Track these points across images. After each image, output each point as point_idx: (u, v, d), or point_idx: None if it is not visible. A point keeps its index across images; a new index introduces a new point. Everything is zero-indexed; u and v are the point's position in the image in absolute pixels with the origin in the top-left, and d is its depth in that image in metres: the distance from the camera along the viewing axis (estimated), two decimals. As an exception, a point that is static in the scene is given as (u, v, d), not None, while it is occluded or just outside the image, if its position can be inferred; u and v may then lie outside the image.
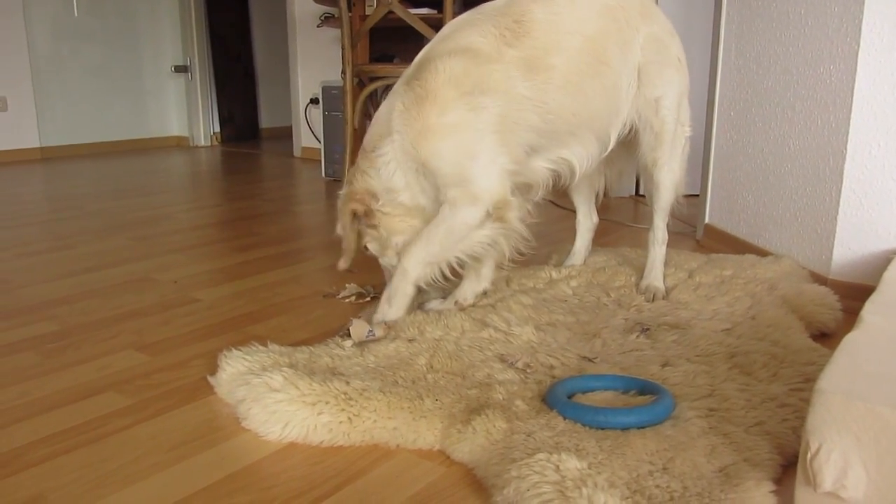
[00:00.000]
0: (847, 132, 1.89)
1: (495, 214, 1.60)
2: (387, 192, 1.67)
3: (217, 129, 5.91)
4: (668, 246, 2.00)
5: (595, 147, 1.76)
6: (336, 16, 4.10)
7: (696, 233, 2.72)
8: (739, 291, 1.89)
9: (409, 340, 1.53)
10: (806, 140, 2.07)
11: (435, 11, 3.54)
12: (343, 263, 1.76)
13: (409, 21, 3.04)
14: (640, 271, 2.03)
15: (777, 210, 2.22)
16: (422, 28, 3.05)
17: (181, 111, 5.82)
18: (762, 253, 2.26)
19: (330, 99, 3.95)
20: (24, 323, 1.81)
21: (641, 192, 3.61)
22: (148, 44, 5.60)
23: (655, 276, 1.96)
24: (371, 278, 2.04)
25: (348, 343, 1.53)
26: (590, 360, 1.50)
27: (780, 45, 2.18)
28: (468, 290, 1.83)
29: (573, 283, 1.98)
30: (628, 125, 1.81)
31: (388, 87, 3.45)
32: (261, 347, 1.48)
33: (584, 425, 1.19)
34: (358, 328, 1.55)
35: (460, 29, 1.63)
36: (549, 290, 1.93)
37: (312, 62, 4.90)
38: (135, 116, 5.59)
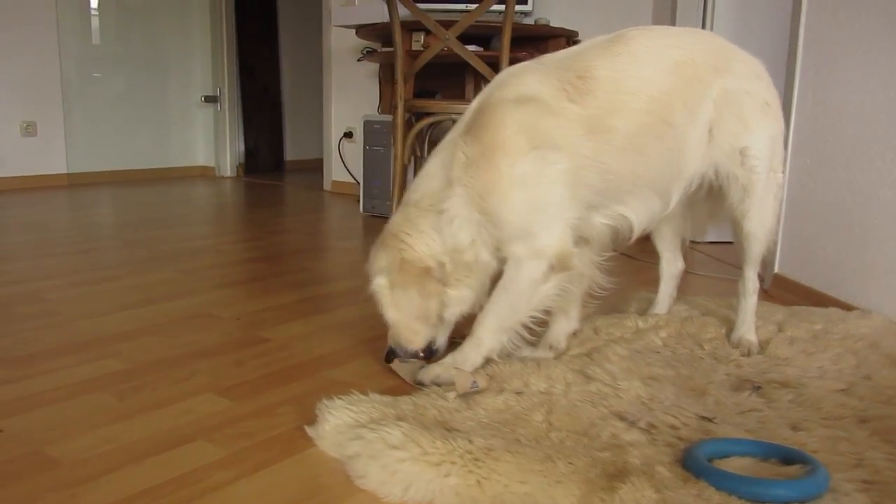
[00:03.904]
0: (953, 185, 1.82)
1: (558, 266, 1.53)
2: (452, 252, 1.55)
3: (242, 160, 5.85)
4: (732, 296, 1.93)
5: (656, 204, 1.69)
6: (378, 50, 4.07)
7: (762, 283, 2.64)
8: (838, 348, 1.80)
9: (517, 393, 1.44)
10: (902, 191, 2.00)
11: (481, 49, 3.50)
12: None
13: (465, 57, 2.99)
14: (726, 322, 1.95)
15: (862, 263, 2.14)
16: (479, 65, 3.00)
17: (208, 141, 5.77)
18: (842, 306, 2.17)
19: (371, 134, 3.89)
20: (89, 359, 1.71)
21: (695, 238, 3.53)
22: (177, 73, 5.57)
23: (747, 328, 1.87)
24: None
25: (451, 394, 1.43)
26: (709, 419, 1.40)
27: (867, 94, 2.13)
28: (559, 332, 1.75)
29: (662, 333, 1.89)
30: (697, 181, 1.73)
31: (433, 125, 3.39)
32: (362, 396, 1.38)
33: (739, 497, 1.09)
34: (462, 379, 1.45)
35: (520, 75, 1.57)
36: (639, 340, 1.84)
37: (346, 96, 4.86)
38: (161, 145, 5.54)
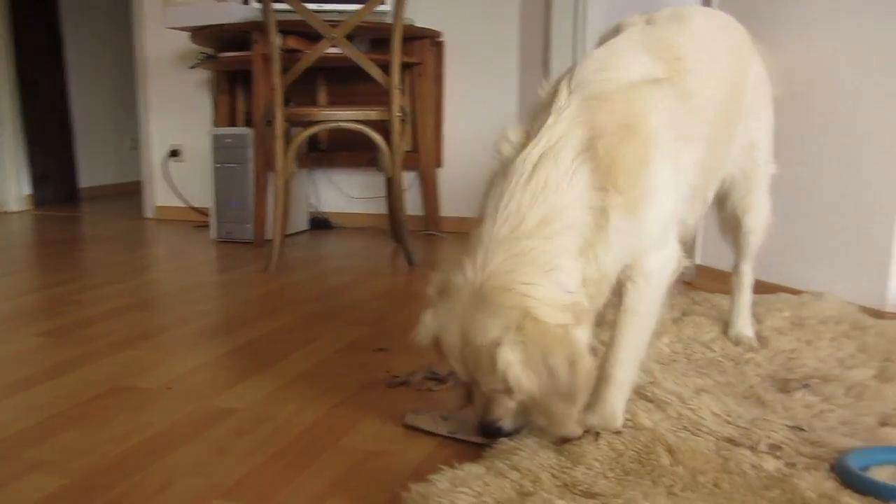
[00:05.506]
0: (902, 164, 1.91)
1: (675, 275, 1.31)
2: (598, 281, 1.18)
3: (29, 190, 4.95)
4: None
5: (701, 206, 1.58)
6: (217, 56, 3.60)
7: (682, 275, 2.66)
8: (828, 333, 1.82)
9: (615, 434, 1.23)
10: (847, 172, 2.07)
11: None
12: None
13: (354, 59, 2.71)
14: (710, 318, 1.91)
15: (806, 246, 2.20)
16: (369, 67, 2.72)
17: (-18, 171, 4.81)
18: (785, 290, 2.21)
19: (222, 150, 3.42)
20: (3, 480, 1.21)
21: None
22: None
23: (744, 323, 1.83)
24: (413, 357, 1.69)
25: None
26: (801, 429, 1.30)
27: (815, 62, 2.19)
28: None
29: (664, 339, 1.78)
30: (726, 177, 1.66)
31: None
32: (457, 471, 1.10)
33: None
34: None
35: (625, 53, 1.31)
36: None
37: (167, 111, 4.27)
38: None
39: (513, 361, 1.08)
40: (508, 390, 1.11)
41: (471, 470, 1.11)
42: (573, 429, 1.15)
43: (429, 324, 1.21)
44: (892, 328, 1.81)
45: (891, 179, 1.94)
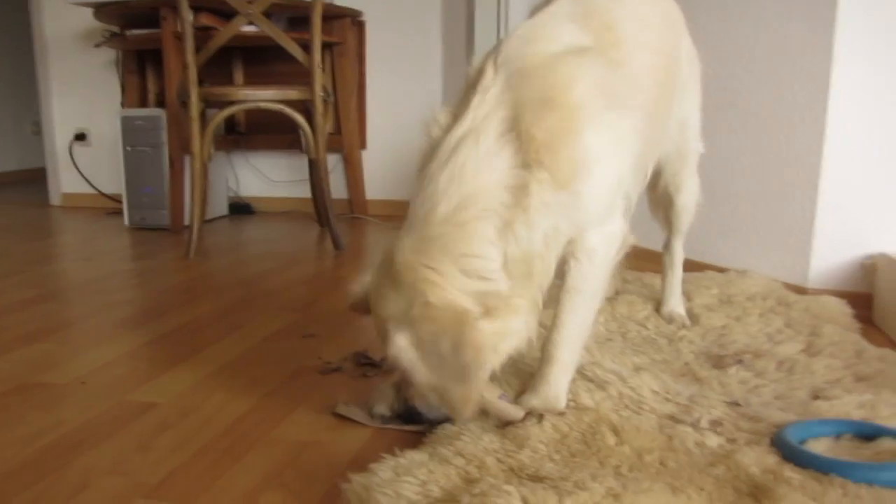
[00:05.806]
0: (822, 141, 1.96)
1: (621, 250, 1.29)
2: (520, 261, 1.13)
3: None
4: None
5: (641, 181, 1.58)
6: (120, 34, 3.40)
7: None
8: (756, 310, 1.86)
9: (558, 415, 1.20)
10: (769, 152, 2.11)
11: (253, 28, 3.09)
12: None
13: (275, 37, 2.59)
14: (642, 296, 1.92)
15: (730, 224, 2.25)
16: (288, 44, 2.62)
17: None
18: (711, 268, 2.26)
19: (133, 132, 3.23)
20: None
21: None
22: None
23: (676, 301, 1.85)
24: (345, 343, 1.67)
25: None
26: (738, 404, 1.31)
27: (719, 64, 2.22)
28: None
29: (599, 318, 1.77)
30: (662, 154, 1.66)
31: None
32: (399, 460, 1.05)
33: (880, 486, 1.00)
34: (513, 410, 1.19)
35: (550, 26, 1.25)
36: (582, 329, 1.71)
37: (69, 92, 4.02)
38: None
39: (403, 345, 1.07)
40: (404, 373, 1.11)
41: (413, 457, 1.06)
42: (469, 413, 1.09)
43: (362, 284, 1.24)
44: (816, 304, 1.86)
45: (811, 160, 1.99)
